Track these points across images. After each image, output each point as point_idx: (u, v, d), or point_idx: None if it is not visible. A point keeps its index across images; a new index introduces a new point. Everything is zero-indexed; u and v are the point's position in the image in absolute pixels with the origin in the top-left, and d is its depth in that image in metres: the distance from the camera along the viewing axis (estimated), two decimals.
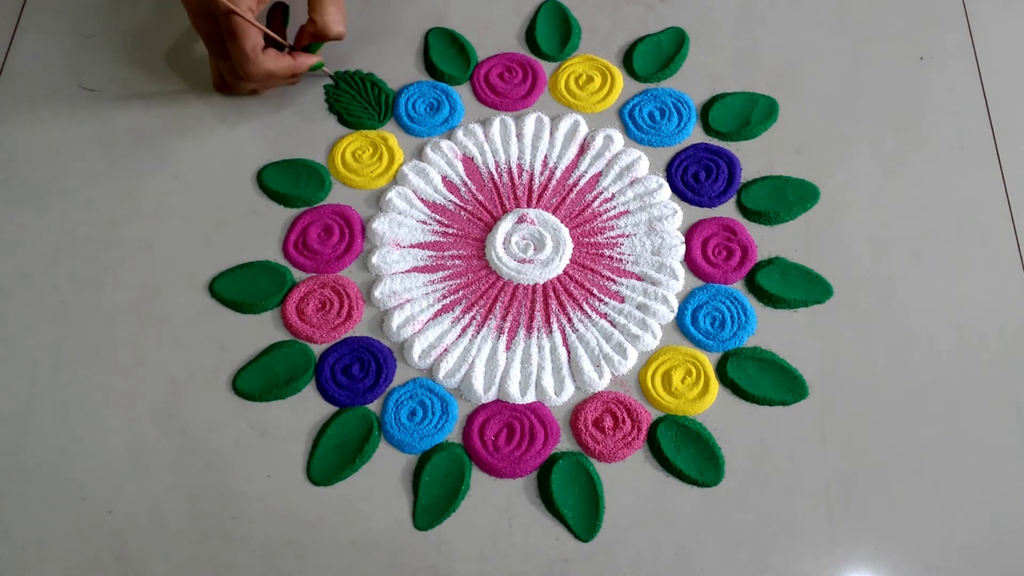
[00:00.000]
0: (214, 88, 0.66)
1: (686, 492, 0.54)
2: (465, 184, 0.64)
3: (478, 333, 0.59)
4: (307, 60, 0.65)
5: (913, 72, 0.68)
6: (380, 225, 0.62)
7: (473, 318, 0.59)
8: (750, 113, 0.65)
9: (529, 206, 0.63)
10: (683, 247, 0.61)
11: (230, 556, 0.53)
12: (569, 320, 0.59)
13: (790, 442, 0.55)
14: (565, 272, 0.61)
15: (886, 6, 0.70)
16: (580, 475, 0.54)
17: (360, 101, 0.67)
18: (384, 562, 0.53)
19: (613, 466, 0.55)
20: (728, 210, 0.63)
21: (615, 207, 0.63)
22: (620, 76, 0.67)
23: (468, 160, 0.65)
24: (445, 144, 0.65)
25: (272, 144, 0.65)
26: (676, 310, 0.59)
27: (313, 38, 0.64)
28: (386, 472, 0.55)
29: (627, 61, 0.68)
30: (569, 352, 0.58)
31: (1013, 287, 0.60)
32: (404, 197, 0.63)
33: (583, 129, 0.65)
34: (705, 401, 0.57)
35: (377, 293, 0.60)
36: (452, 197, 0.63)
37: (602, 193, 0.63)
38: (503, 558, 0.53)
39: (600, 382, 0.57)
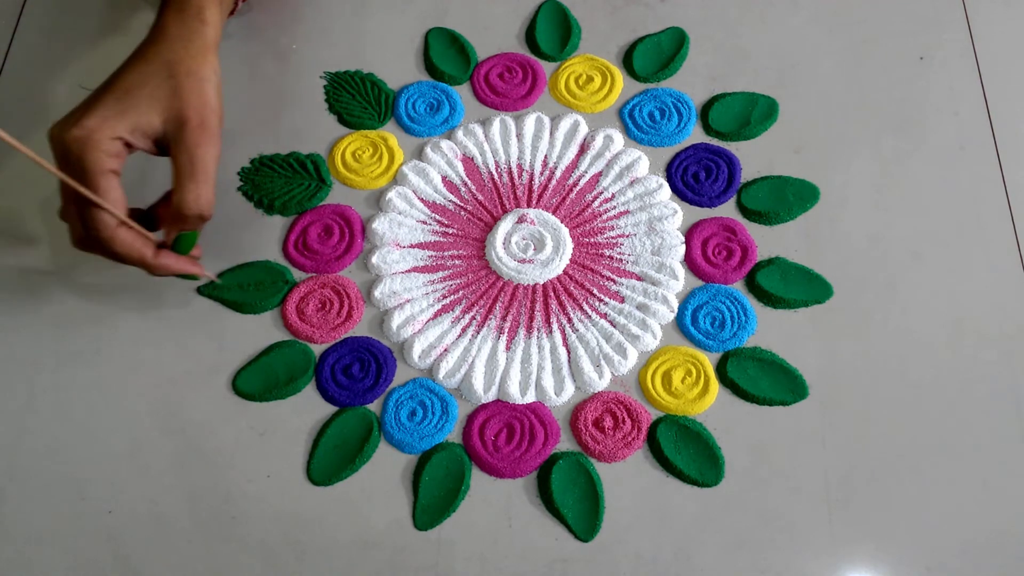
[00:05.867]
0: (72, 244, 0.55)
1: (686, 492, 0.54)
2: (465, 184, 0.64)
3: (478, 333, 0.59)
4: (169, 263, 0.54)
5: (913, 72, 0.67)
6: (380, 225, 0.62)
7: (473, 318, 0.59)
8: (750, 113, 0.65)
9: (529, 206, 0.63)
10: (683, 247, 0.61)
11: (230, 556, 0.53)
12: (569, 320, 0.59)
13: (790, 442, 0.55)
14: (565, 272, 0.61)
15: (886, 6, 0.70)
16: (580, 475, 0.54)
17: (360, 101, 0.67)
18: (384, 562, 0.53)
19: (613, 466, 0.55)
20: (728, 210, 0.63)
21: (615, 207, 0.63)
22: (620, 76, 0.67)
23: (468, 160, 0.65)
24: (445, 144, 0.65)
25: (272, 144, 0.65)
26: (676, 310, 0.59)
27: (173, 223, 0.54)
28: (386, 472, 0.55)
29: (627, 61, 0.68)
30: (569, 352, 0.58)
31: (1013, 287, 0.60)
32: (404, 197, 0.63)
33: (583, 129, 0.65)
34: (705, 401, 0.57)
35: (377, 293, 0.60)
36: (452, 197, 0.63)
37: (602, 193, 0.63)
38: (503, 558, 0.53)
39: (600, 382, 0.57)
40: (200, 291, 0.60)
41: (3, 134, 0.47)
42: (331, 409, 0.57)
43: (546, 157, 0.65)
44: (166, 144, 0.54)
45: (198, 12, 0.56)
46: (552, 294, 0.60)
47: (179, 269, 0.55)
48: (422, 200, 0.63)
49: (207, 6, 0.57)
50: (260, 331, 0.59)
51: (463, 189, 0.64)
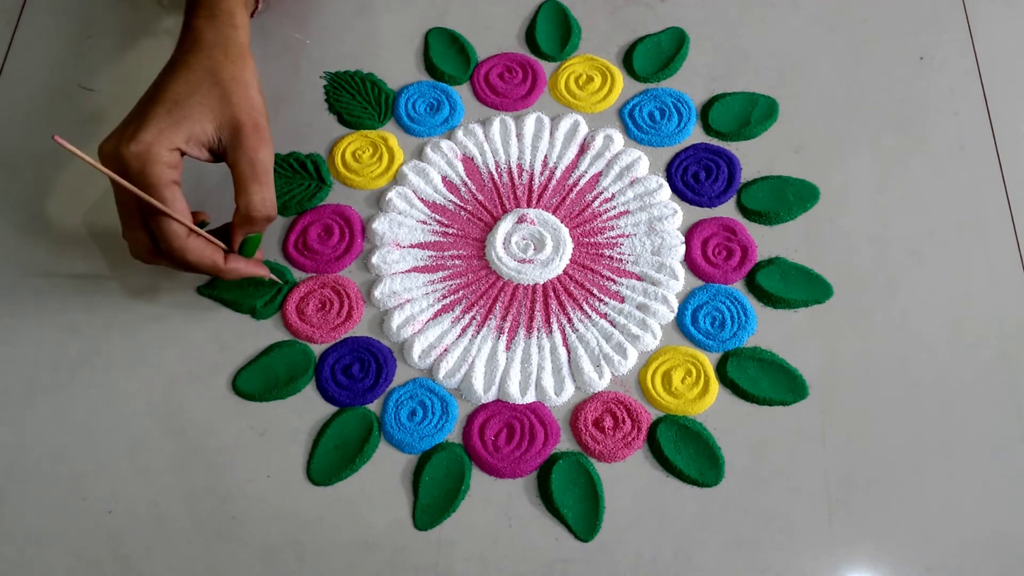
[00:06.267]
0: (135, 257, 0.55)
1: (686, 492, 0.54)
2: (465, 184, 0.64)
3: (478, 333, 0.59)
4: (240, 267, 0.55)
5: (913, 72, 0.68)
6: (380, 225, 0.62)
7: (473, 318, 0.59)
8: (750, 113, 0.65)
9: (529, 206, 0.63)
10: (683, 247, 0.61)
11: (230, 556, 0.53)
12: (569, 320, 0.59)
13: (790, 442, 0.55)
14: (565, 272, 0.61)
15: (886, 6, 0.70)
16: (580, 475, 0.54)
17: (360, 101, 0.67)
18: (384, 562, 0.53)
19: (613, 466, 0.55)
20: (728, 210, 0.63)
21: (615, 207, 0.63)
22: (620, 76, 0.67)
23: (468, 160, 0.65)
24: (445, 144, 0.65)
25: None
26: (676, 310, 0.59)
27: (241, 227, 0.54)
28: (386, 472, 0.55)
29: (627, 61, 0.68)
30: (569, 352, 0.58)
31: (1013, 287, 0.60)
32: (404, 197, 0.63)
33: (583, 129, 0.65)
34: (705, 401, 0.57)
35: (377, 293, 0.60)
36: (452, 197, 0.63)
37: (602, 193, 0.63)
38: (503, 558, 0.53)
39: (600, 382, 0.57)
40: (200, 291, 0.60)
41: (88, 159, 0.48)
42: (331, 409, 0.57)
43: (546, 157, 0.65)
44: (219, 151, 0.54)
45: (229, 17, 0.57)
46: (552, 294, 0.60)
47: (249, 272, 0.56)
48: (422, 200, 0.63)
49: (236, 11, 0.57)
50: (260, 331, 0.59)
51: (463, 189, 0.64)
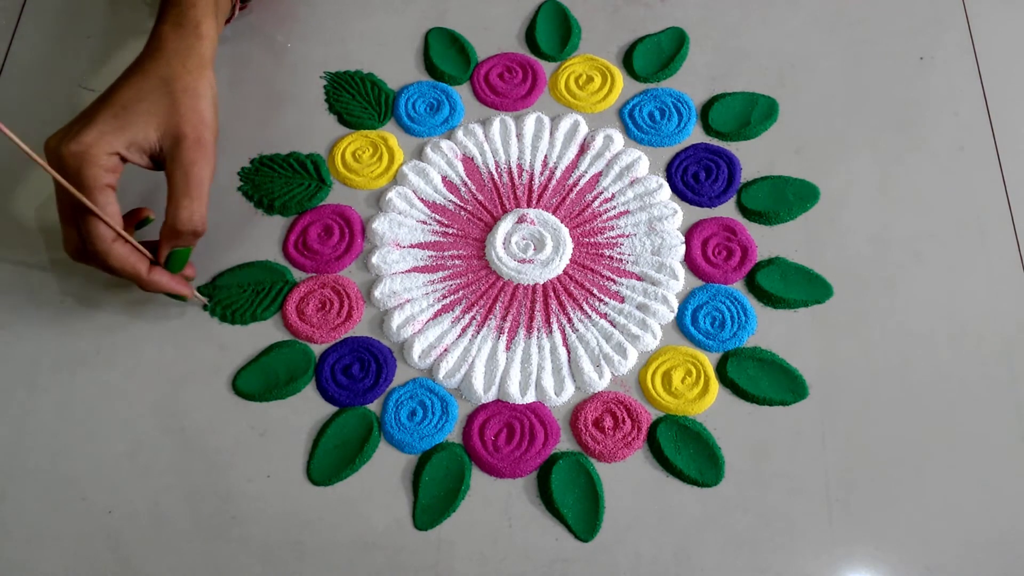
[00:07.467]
0: (66, 253, 0.56)
1: (686, 492, 0.54)
2: (465, 184, 0.64)
3: (478, 333, 0.59)
4: (162, 280, 0.55)
5: (913, 72, 0.68)
6: (380, 225, 0.62)
7: (473, 318, 0.59)
8: (750, 113, 0.65)
9: (529, 206, 0.63)
10: (683, 247, 0.61)
11: (230, 556, 0.53)
12: (569, 320, 0.59)
13: (790, 442, 0.55)
14: (565, 272, 0.61)
15: (886, 6, 0.70)
16: (580, 475, 0.54)
17: (360, 101, 0.67)
18: (384, 562, 0.53)
19: (613, 466, 0.55)
20: (728, 210, 0.63)
21: (615, 207, 0.63)
22: (620, 76, 0.67)
23: (468, 160, 0.65)
24: (445, 144, 0.65)
25: (272, 144, 0.65)
26: (676, 310, 0.59)
27: (168, 239, 0.54)
28: (386, 472, 0.55)
29: (627, 61, 0.68)
30: (569, 352, 0.58)
31: (1013, 287, 0.60)
32: (404, 197, 0.63)
33: (583, 129, 0.65)
34: (705, 401, 0.57)
35: (377, 293, 0.60)
36: (452, 197, 0.63)
37: (602, 193, 0.63)
38: (503, 558, 0.53)
39: (600, 382, 0.57)
40: (201, 291, 0.60)
41: (22, 144, 0.48)
42: (331, 409, 0.57)
43: (546, 157, 0.65)
44: (161, 160, 0.54)
45: (195, 27, 0.56)
46: (552, 294, 0.60)
47: (170, 288, 0.56)
48: (422, 200, 0.63)
49: (204, 20, 0.57)
50: (260, 331, 0.59)
51: (463, 189, 0.64)
